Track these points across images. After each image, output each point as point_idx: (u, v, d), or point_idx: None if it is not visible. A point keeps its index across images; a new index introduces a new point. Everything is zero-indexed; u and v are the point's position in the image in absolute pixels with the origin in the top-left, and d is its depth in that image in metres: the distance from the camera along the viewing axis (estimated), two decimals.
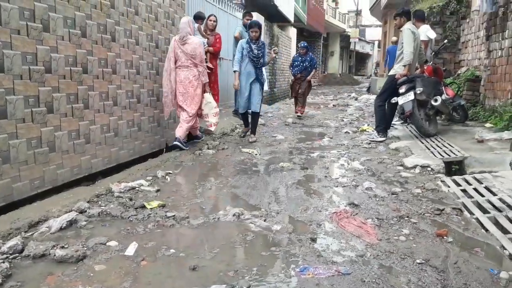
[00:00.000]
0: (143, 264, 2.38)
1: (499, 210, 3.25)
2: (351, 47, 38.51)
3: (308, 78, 9.53)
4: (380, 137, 6.37)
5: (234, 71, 6.41)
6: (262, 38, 6.75)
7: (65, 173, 3.84)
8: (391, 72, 6.39)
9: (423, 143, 5.84)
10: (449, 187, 3.98)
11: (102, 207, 3.23)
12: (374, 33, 39.88)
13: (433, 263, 2.43)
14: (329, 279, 2.22)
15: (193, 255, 2.49)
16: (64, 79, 3.78)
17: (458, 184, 4.03)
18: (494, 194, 3.56)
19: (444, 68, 8.29)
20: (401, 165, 4.78)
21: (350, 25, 38.03)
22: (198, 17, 7.27)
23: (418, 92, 5.86)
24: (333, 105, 12.84)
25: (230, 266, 2.37)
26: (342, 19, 34.47)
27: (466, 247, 2.68)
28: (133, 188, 3.75)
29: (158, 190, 3.78)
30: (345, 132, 7.41)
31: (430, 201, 3.57)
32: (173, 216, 3.09)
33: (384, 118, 6.44)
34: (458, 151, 4.96)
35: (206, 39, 7.23)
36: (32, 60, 3.39)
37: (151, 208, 3.26)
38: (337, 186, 4.01)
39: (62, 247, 2.46)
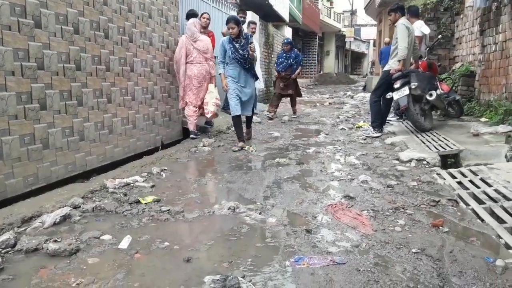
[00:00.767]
0: (136, 256, 2.36)
1: (494, 200, 3.24)
2: (347, 46, 38.56)
3: (293, 76, 9.09)
4: (375, 132, 6.38)
5: (219, 74, 5.91)
6: (257, 35, 6.65)
7: (59, 170, 3.82)
8: (386, 68, 6.39)
9: (418, 137, 5.84)
10: (444, 179, 3.97)
11: (96, 203, 3.21)
12: (369, 32, 39.86)
13: (428, 252, 2.42)
14: (324, 269, 2.21)
15: (187, 248, 2.47)
16: (57, 76, 3.76)
17: (453, 177, 4.03)
18: (490, 186, 3.56)
19: (439, 64, 8.30)
20: (397, 159, 4.78)
21: (345, 25, 38.07)
22: (192, 15, 7.24)
23: (413, 87, 5.86)
24: (329, 103, 12.84)
25: (224, 257, 2.36)
26: (337, 18, 34.52)
27: (462, 236, 2.67)
28: (128, 184, 3.73)
29: (153, 186, 3.76)
30: (341, 129, 7.41)
31: (426, 193, 3.57)
32: (168, 210, 3.08)
33: (379, 113, 6.44)
34: (454, 145, 4.96)
35: None
36: (24, 57, 3.37)
37: (145, 203, 3.24)
38: (332, 180, 4.00)
39: (55, 241, 2.44)
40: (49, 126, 3.67)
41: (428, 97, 6.00)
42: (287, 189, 3.71)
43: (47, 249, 2.36)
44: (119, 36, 4.68)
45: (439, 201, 3.31)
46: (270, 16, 14.99)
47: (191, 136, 6.13)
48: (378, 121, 6.44)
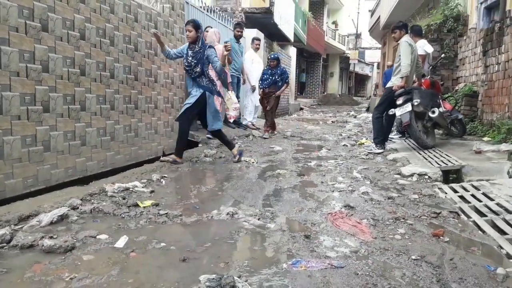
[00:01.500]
0: (132, 255, 2.34)
1: (496, 213, 3.21)
2: (351, 68, 38.89)
3: (277, 93, 8.41)
4: (378, 149, 6.36)
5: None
6: (261, 52, 6.56)
7: (59, 174, 3.82)
8: (389, 84, 6.41)
9: (421, 154, 5.82)
10: (446, 193, 3.94)
11: (94, 204, 3.19)
12: (374, 55, 40.33)
13: (428, 259, 2.38)
14: (321, 272, 2.17)
15: (184, 248, 2.45)
16: (62, 80, 3.79)
17: (455, 191, 3.99)
18: (492, 200, 3.52)
19: (442, 83, 8.33)
20: (398, 174, 4.75)
21: (350, 48, 38.48)
22: None
23: (416, 103, 5.87)
24: (332, 122, 12.86)
25: (221, 258, 2.33)
26: (341, 41, 34.88)
27: (463, 246, 2.63)
28: (127, 189, 3.72)
29: (152, 192, 3.75)
30: (343, 145, 7.39)
31: (427, 205, 3.53)
32: (166, 213, 3.06)
33: (381, 130, 6.43)
34: (456, 161, 4.94)
35: None
36: (29, 59, 3.41)
37: (144, 207, 3.22)
38: (333, 191, 3.98)
39: (51, 237, 2.42)
40: (51, 128, 3.69)
41: (430, 114, 5.99)
42: (287, 198, 3.68)
43: (43, 245, 2.34)
44: (124, 44, 4.73)
45: (440, 213, 3.28)
46: (275, 35, 15.18)
47: (207, 135, 6.74)
48: (381, 138, 6.43)
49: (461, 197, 3.79)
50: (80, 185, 3.95)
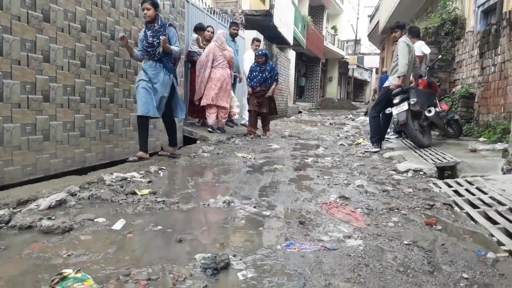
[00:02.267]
0: (129, 236, 2.38)
1: (489, 206, 3.25)
2: (350, 73, 39.00)
3: (269, 92, 7.95)
4: (374, 147, 6.41)
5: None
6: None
7: (58, 163, 3.85)
8: (386, 84, 6.47)
9: (416, 152, 5.87)
10: (440, 188, 3.98)
11: (92, 191, 3.23)
12: (372, 61, 40.50)
13: (420, 244, 2.42)
14: (314, 253, 2.21)
15: (180, 231, 2.49)
16: (62, 70, 3.84)
17: (450, 186, 4.03)
18: (485, 193, 3.57)
19: (439, 84, 8.40)
20: (394, 170, 4.80)
21: (349, 53, 38.61)
22: (200, 28, 7.43)
23: (412, 102, 5.92)
24: (330, 123, 12.92)
25: (216, 240, 2.37)
26: (341, 46, 35.02)
27: (455, 234, 2.67)
28: (125, 178, 3.76)
29: (150, 182, 3.79)
30: (340, 144, 7.45)
31: (421, 198, 3.58)
32: (163, 201, 3.10)
33: (378, 128, 6.48)
34: (451, 158, 4.99)
35: (202, 49, 7.35)
36: (31, 48, 3.46)
37: (141, 195, 3.26)
38: (328, 184, 4.02)
39: (49, 218, 2.45)
40: (51, 118, 3.74)
41: (427, 113, 6.06)
42: (283, 189, 3.73)
43: (41, 226, 2.38)
44: None
45: (433, 204, 3.32)
46: (275, 38, 15.27)
47: (208, 129, 7.30)
48: (377, 136, 6.48)
49: (455, 191, 3.83)
50: (78, 175, 3.99)
